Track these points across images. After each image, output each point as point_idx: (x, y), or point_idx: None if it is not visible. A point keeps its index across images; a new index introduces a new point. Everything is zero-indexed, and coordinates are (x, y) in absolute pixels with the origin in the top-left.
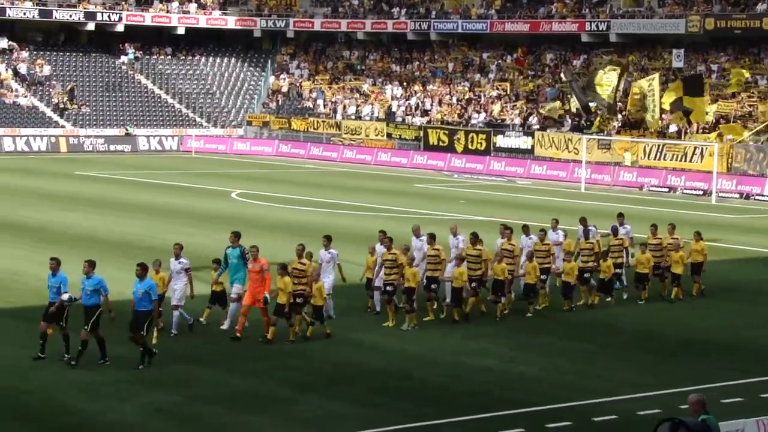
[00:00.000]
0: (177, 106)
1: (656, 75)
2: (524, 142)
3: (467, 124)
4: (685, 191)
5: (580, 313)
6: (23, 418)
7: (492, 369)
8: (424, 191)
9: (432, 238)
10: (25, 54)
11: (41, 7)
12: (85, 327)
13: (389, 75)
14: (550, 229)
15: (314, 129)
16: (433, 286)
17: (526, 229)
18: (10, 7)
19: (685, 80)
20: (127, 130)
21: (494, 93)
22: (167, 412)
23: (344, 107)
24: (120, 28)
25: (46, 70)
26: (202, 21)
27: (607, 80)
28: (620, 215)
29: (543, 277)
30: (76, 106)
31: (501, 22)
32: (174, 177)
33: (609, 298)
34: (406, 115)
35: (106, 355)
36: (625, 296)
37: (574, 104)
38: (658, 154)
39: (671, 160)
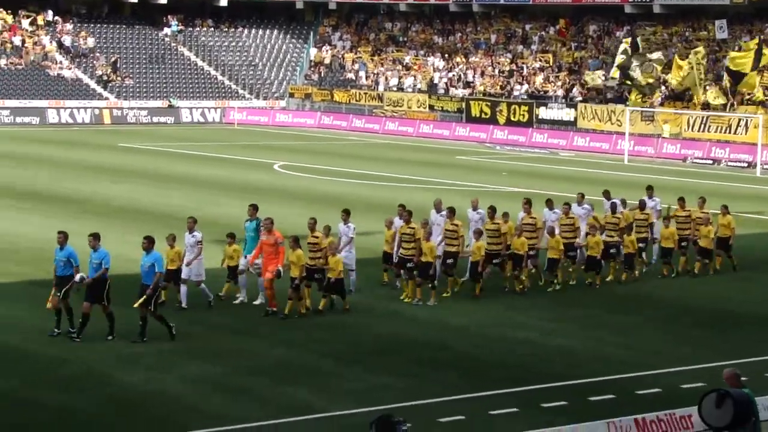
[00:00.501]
0: (220, 78)
1: (701, 48)
2: (567, 114)
3: (510, 96)
4: (729, 163)
5: (618, 286)
6: (67, 389)
7: (532, 341)
8: (467, 163)
9: (451, 212)
10: (69, 26)
11: None
12: (104, 302)
13: (431, 47)
14: (575, 203)
15: (356, 101)
16: (449, 261)
17: (549, 203)
18: None
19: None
20: (170, 102)
21: (537, 65)
22: (210, 384)
23: (386, 79)
24: (163, 0)
25: (90, 42)
26: None
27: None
28: (649, 188)
29: (571, 253)
30: (119, 78)
31: None
32: (217, 149)
33: (634, 272)
34: (449, 87)
35: (78, 327)
36: (644, 269)
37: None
38: (702, 126)
39: (715, 132)
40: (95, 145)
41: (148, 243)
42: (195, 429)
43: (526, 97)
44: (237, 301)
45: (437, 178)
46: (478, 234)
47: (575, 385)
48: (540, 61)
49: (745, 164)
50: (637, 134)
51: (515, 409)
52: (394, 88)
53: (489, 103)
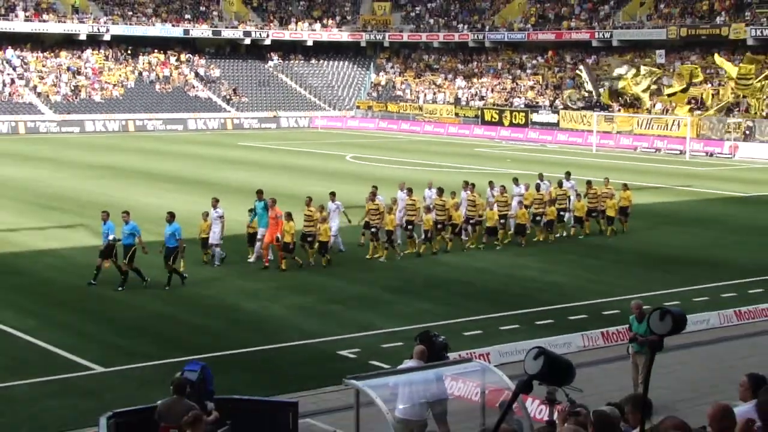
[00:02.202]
0: (308, 96)
1: (659, 71)
2: (552, 118)
3: (511, 106)
4: (666, 151)
5: (593, 239)
6: (205, 314)
7: (531, 278)
8: (481, 153)
9: (410, 191)
10: (202, 61)
11: (213, 29)
12: (124, 260)
13: (456, 72)
14: (512, 183)
15: (404, 111)
16: (409, 227)
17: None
18: (192, 29)
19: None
20: (277, 113)
21: (530, 83)
22: (305, 310)
23: (424, 95)
24: (268, 41)
25: (217, 72)
26: (325, 36)
27: (634, 78)
28: (567, 173)
29: (503, 221)
30: (238, 97)
31: (535, 32)
32: (306, 145)
33: (557, 234)
34: (469, 100)
35: (145, 279)
36: (565, 234)
37: (587, 88)
38: (648, 125)
39: (657, 129)
40: (222, 144)
41: (170, 217)
42: (296, 340)
43: (523, 106)
44: (250, 260)
45: (461, 164)
46: (427, 209)
47: (560, 308)
48: (532, 81)
49: (678, 151)
50: (602, 131)
51: (517, 326)
52: (430, 101)
53: (497, 111)
